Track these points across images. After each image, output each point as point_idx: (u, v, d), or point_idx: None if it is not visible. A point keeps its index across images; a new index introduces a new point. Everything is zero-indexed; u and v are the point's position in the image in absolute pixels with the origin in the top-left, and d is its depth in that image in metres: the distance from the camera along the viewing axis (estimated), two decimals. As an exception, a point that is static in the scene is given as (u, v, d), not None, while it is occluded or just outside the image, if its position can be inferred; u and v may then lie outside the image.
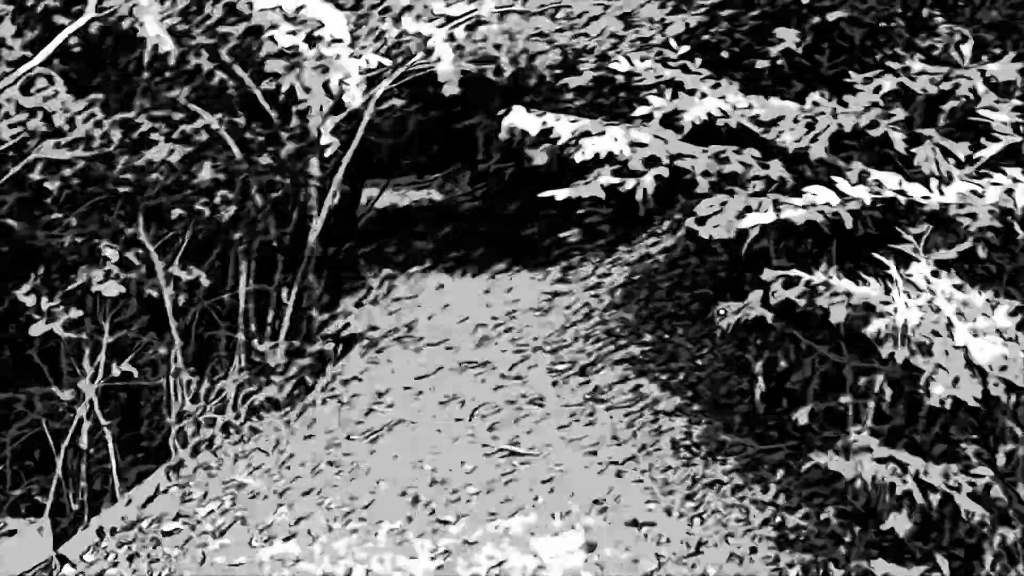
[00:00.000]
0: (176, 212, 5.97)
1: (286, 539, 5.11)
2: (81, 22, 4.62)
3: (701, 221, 5.14)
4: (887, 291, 3.33)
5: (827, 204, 3.63)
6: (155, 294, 5.98)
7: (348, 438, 6.29)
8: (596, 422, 6.39)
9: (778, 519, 5.05)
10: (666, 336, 7.57)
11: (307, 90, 6.10)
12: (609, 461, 5.87)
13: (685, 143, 5.24)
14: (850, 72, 4.96)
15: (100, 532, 5.19)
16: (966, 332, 2.97)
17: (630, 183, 5.22)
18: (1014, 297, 4.24)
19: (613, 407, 6.60)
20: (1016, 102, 4.06)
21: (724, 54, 6.26)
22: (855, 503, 4.89)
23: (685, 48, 5.70)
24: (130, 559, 4.99)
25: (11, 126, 5.44)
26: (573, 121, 5.42)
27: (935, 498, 3.81)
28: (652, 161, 5.19)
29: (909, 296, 3.24)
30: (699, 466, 5.73)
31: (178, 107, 6.38)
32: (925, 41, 4.91)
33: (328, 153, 6.29)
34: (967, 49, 4.43)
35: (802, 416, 5.27)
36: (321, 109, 6.26)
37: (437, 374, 7.29)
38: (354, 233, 10.53)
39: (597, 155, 5.07)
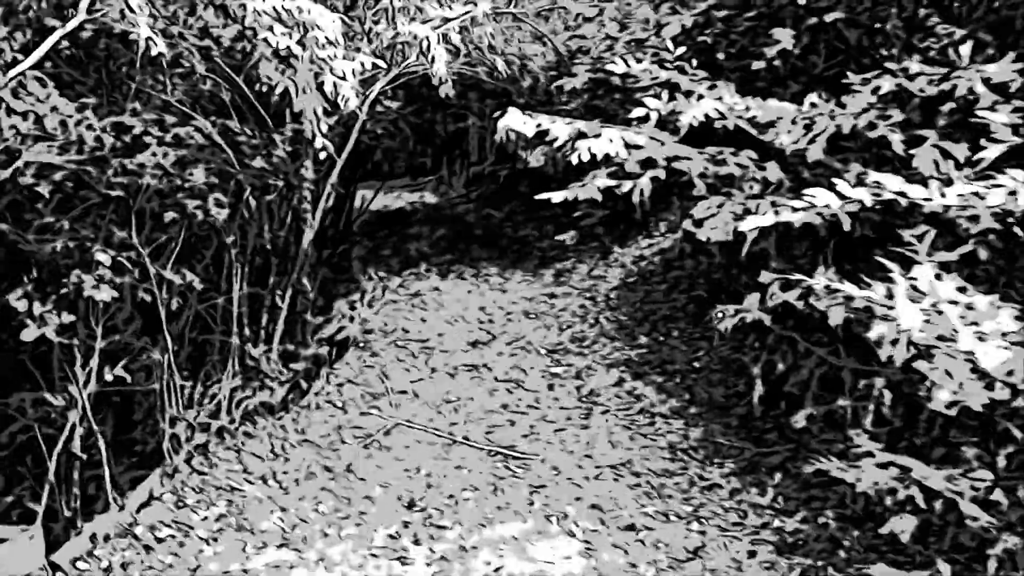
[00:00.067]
0: (169, 215, 5.93)
1: (280, 546, 5.07)
2: (72, 24, 4.58)
3: (698, 223, 5.12)
4: (889, 295, 3.30)
5: (827, 206, 3.60)
6: (148, 298, 5.94)
7: (343, 442, 6.25)
8: (592, 425, 6.36)
9: (776, 523, 5.02)
10: (662, 338, 7.54)
11: (301, 92, 6.06)
12: (606, 465, 5.84)
13: (681, 145, 5.21)
14: (847, 73, 4.94)
15: (93, 539, 5.15)
16: (971, 337, 2.94)
17: (626, 185, 5.19)
18: (1013, 299, 4.22)
19: (609, 410, 6.57)
20: (1017, 103, 4.03)
21: (720, 55, 6.23)
22: (854, 507, 4.86)
23: (681, 49, 5.67)
24: (123, 566, 4.95)
25: (2, 129, 5.40)
26: (569, 123, 5.39)
27: (938, 504, 3.78)
28: (648, 163, 5.16)
29: (912, 300, 3.21)
30: (696, 469, 5.70)
31: (171, 110, 6.35)
32: (923, 42, 4.88)
33: (322, 156, 6.24)
34: (966, 50, 4.40)
35: (800, 419, 5.24)
36: (315, 111, 6.22)
37: (432, 377, 7.25)
38: (348, 236, 10.49)
39: (593, 157, 5.05)
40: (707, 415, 6.29)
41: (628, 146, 5.19)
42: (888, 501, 4.03)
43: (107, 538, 5.19)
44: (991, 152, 3.81)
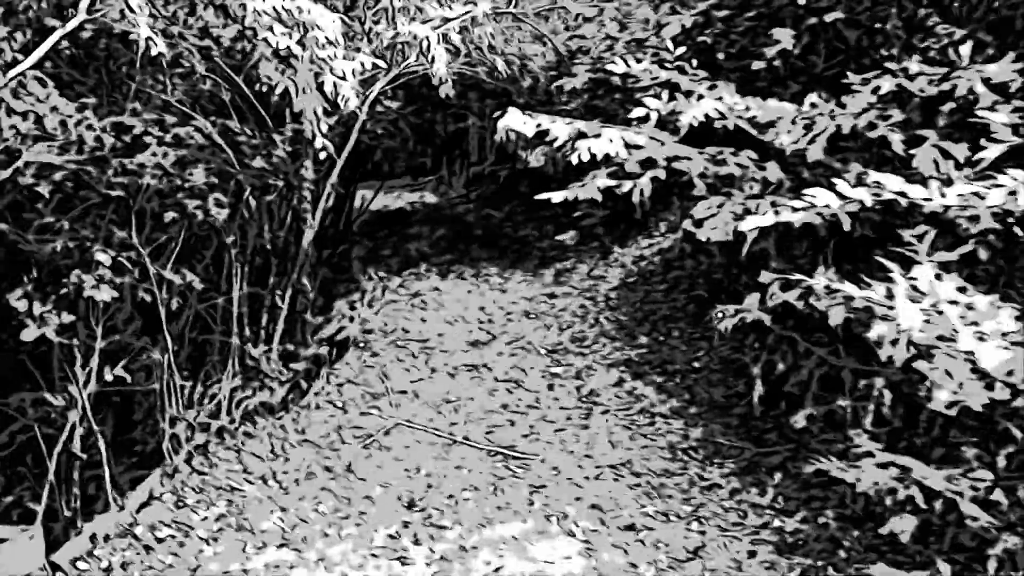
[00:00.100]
0: (169, 215, 5.93)
1: (280, 546, 5.07)
2: (72, 24, 4.58)
3: (698, 223, 5.12)
4: (889, 295, 3.30)
5: (827, 206, 3.60)
6: (148, 298, 5.94)
7: (343, 442, 6.25)
8: (592, 425, 6.36)
9: (776, 523, 5.02)
10: (662, 338, 7.54)
11: (301, 92, 6.06)
12: (606, 465, 5.84)
13: (682, 145, 5.21)
14: (847, 73, 4.94)
15: (93, 539, 5.15)
16: (971, 337, 2.94)
17: (626, 185, 5.19)
18: (1013, 299, 4.22)
19: (609, 410, 6.57)
20: (1017, 103, 4.03)
21: (720, 55, 6.23)
22: (853, 507, 4.86)
23: (681, 49, 5.67)
24: (123, 566, 4.95)
25: (2, 129, 5.40)
26: (569, 123, 5.39)
27: (938, 504, 3.78)
28: (648, 163, 5.16)
29: (912, 300, 3.21)
30: (696, 469, 5.70)
31: (171, 110, 6.34)
32: (923, 42, 4.88)
33: (322, 156, 6.24)
34: (966, 50, 4.40)
35: (800, 419, 5.24)
36: (315, 111, 6.22)
37: (432, 377, 7.25)
38: (348, 236, 10.49)
39: (593, 157, 5.05)
40: (707, 415, 6.29)
41: (628, 146, 5.19)
42: (888, 501, 4.03)
43: (107, 538, 5.19)
44: (991, 152, 3.81)
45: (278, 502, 5.51)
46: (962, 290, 3.23)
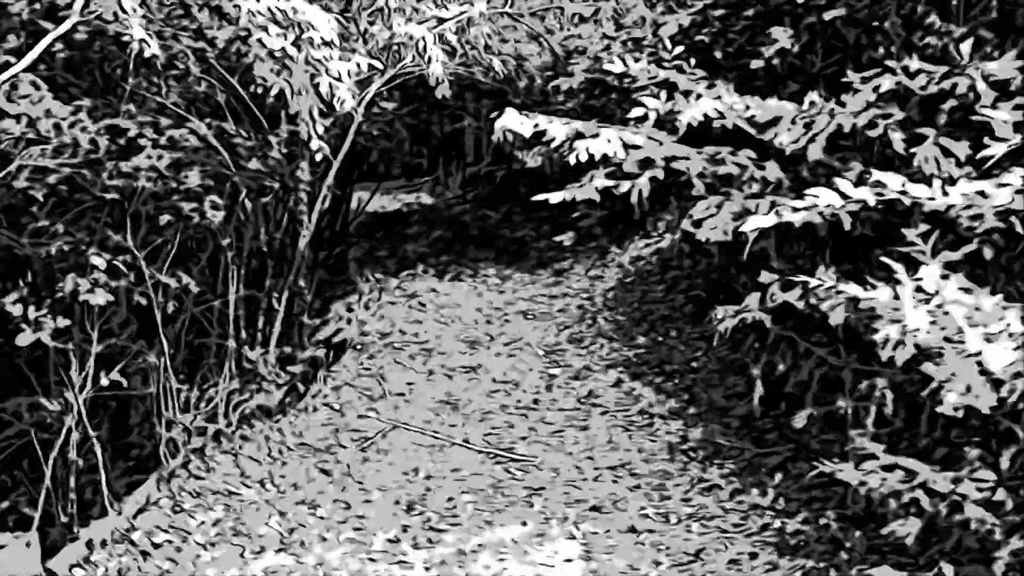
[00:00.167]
0: (165, 218, 5.90)
1: (278, 550, 5.04)
2: (66, 26, 4.54)
3: (697, 223, 5.09)
4: (896, 296, 3.28)
5: (829, 206, 3.58)
6: (144, 302, 5.91)
7: (341, 446, 6.22)
8: (591, 427, 6.33)
9: (777, 524, 5.00)
10: (660, 339, 7.52)
11: (297, 93, 6.03)
12: (605, 467, 5.81)
13: (680, 145, 5.19)
14: (847, 72, 4.91)
15: (89, 545, 5.11)
16: (979, 338, 2.92)
17: (625, 185, 5.16)
18: (1015, 299, 4.19)
19: (608, 411, 6.55)
20: (1019, 100, 4.01)
21: (717, 54, 6.21)
22: (855, 507, 4.84)
23: (679, 49, 5.65)
24: (120, 572, 4.91)
25: (-5, 133, 5.37)
26: (566, 123, 5.37)
27: (942, 506, 3.76)
28: (647, 163, 5.14)
29: (920, 302, 3.18)
30: (696, 470, 5.68)
31: (166, 112, 6.31)
32: (922, 40, 4.86)
33: (318, 157, 6.21)
34: (966, 47, 4.38)
35: (800, 420, 5.22)
36: (311, 113, 6.19)
37: (430, 379, 7.23)
38: (345, 237, 10.46)
39: (591, 157, 5.02)
40: (706, 415, 6.27)
41: (626, 146, 5.16)
42: (892, 504, 4.00)
43: (104, 544, 5.15)
44: (995, 150, 3.79)
45: (276, 506, 5.48)
46: (967, 291, 3.21)
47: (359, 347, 7.82)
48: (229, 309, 6.64)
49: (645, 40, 7.11)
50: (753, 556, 4.75)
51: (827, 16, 5.11)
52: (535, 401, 6.78)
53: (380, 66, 6.32)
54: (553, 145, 5.47)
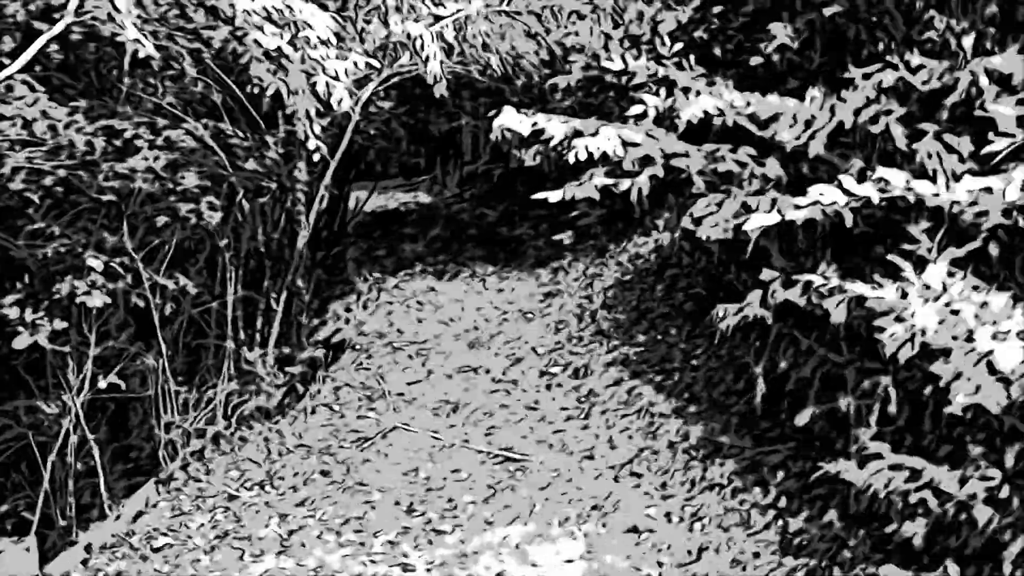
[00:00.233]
0: (162, 219, 5.86)
1: (278, 553, 5.01)
2: (59, 27, 4.51)
3: (697, 221, 5.07)
4: (903, 294, 3.25)
5: (833, 203, 3.55)
6: (141, 303, 5.87)
7: (340, 447, 6.19)
8: (591, 426, 6.31)
9: (780, 522, 4.97)
10: (659, 337, 7.49)
11: (293, 93, 6.00)
12: (606, 466, 5.78)
13: (679, 142, 5.16)
14: (848, 67, 4.89)
15: (88, 549, 5.08)
16: (988, 337, 2.88)
17: (624, 183, 5.13)
18: (1018, 296, 4.16)
19: (608, 410, 6.52)
20: (1022, 95, 3.98)
21: (716, 51, 6.18)
22: (857, 506, 4.81)
23: (678, 46, 5.62)
24: (119, 576, 4.89)
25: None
26: (565, 121, 5.34)
27: (949, 505, 3.73)
28: (646, 161, 5.11)
29: (926, 299, 3.15)
30: (698, 469, 5.65)
31: (162, 112, 6.28)
32: (922, 35, 4.83)
33: (315, 157, 6.18)
34: (968, 42, 4.35)
35: (803, 417, 5.19)
36: (307, 112, 6.15)
37: (429, 379, 7.20)
38: (343, 237, 10.43)
39: (590, 155, 4.99)
40: (707, 414, 6.24)
41: (625, 144, 5.13)
42: (899, 504, 3.98)
43: (103, 548, 5.12)
44: (999, 145, 3.76)
45: (275, 508, 5.45)
46: (975, 288, 3.17)
47: (358, 347, 7.79)
48: (227, 310, 6.61)
49: (643, 37, 7.08)
50: (756, 555, 4.73)
51: (827, 11, 5.08)
52: (535, 400, 6.76)
53: (377, 65, 6.29)
54: (552, 143, 5.44)
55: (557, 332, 7.91)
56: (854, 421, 4.85)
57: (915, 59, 4.43)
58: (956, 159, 4.14)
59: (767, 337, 5.76)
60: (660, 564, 4.73)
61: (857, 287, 3.50)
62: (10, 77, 4.84)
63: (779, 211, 3.72)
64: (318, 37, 5.14)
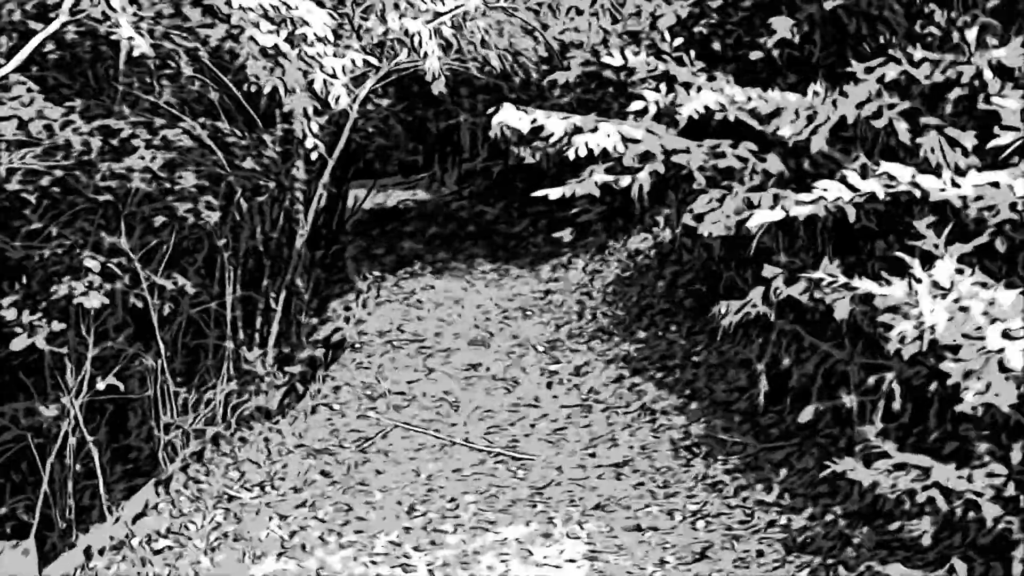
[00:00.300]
0: (159, 219, 5.83)
1: (279, 554, 4.98)
2: (55, 26, 4.47)
3: (699, 217, 5.04)
4: (911, 290, 3.22)
5: (838, 199, 3.52)
6: (140, 304, 5.84)
7: (341, 446, 6.16)
8: (593, 423, 6.28)
9: (783, 520, 4.94)
10: (660, 333, 7.46)
11: (290, 91, 5.96)
12: (608, 464, 5.76)
13: (680, 137, 5.13)
14: (849, 62, 4.86)
15: (88, 551, 5.04)
16: (998, 335, 2.86)
17: (625, 180, 5.11)
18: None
19: (609, 407, 6.50)
20: (1027, 89, 3.96)
21: (716, 46, 6.15)
22: (861, 503, 4.78)
23: (678, 41, 5.60)
24: (119, 579, 4.86)
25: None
26: (564, 118, 5.31)
27: (956, 504, 3.70)
28: (646, 157, 5.08)
29: (934, 296, 3.13)
30: (700, 467, 5.62)
31: (159, 112, 6.24)
32: (924, 28, 4.80)
33: (313, 155, 6.15)
34: (972, 35, 4.32)
35: (806, 414, 5.17)
36: (305, 111, 6.12)
37: (429, 377, 7.17)
38: (341, 235, 10.41)
39: (590, 151, 4.96)
40: (709, 411, 6.21)
41: (625, 140, 5.11)
42: (907, 503, 3.95)
43: (102, 551, 5.09)
44: (1005, 139, 3.73)
45: (276, 509, 5.42)
46: (983, 285, 3.15)
47: (357, 346, 7.76)
48: (226, 310, 6.58)
49: (642, 32, 7.06)
50: (760, 554, 4.70)
51: (827, 5, 5.06)
52: (536, 398, 6.73)
53: (375, 62, 6.25)
54: (551, 140, 5.41)
55: (557, 329, 7.89)
56: (858, 418, 4.82)
57: (917, 53, 4.41)
58: (960, 153, 4.12)
59: (769, 333, 5.73)
60: (664, 563, 4.70)
61: (864, 284, 3.47)
62: (5, 77, 4.80)
63: (783, 207, 3.70)
64: (315, 34, 5.10)
